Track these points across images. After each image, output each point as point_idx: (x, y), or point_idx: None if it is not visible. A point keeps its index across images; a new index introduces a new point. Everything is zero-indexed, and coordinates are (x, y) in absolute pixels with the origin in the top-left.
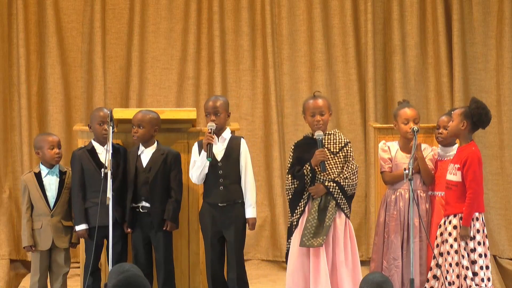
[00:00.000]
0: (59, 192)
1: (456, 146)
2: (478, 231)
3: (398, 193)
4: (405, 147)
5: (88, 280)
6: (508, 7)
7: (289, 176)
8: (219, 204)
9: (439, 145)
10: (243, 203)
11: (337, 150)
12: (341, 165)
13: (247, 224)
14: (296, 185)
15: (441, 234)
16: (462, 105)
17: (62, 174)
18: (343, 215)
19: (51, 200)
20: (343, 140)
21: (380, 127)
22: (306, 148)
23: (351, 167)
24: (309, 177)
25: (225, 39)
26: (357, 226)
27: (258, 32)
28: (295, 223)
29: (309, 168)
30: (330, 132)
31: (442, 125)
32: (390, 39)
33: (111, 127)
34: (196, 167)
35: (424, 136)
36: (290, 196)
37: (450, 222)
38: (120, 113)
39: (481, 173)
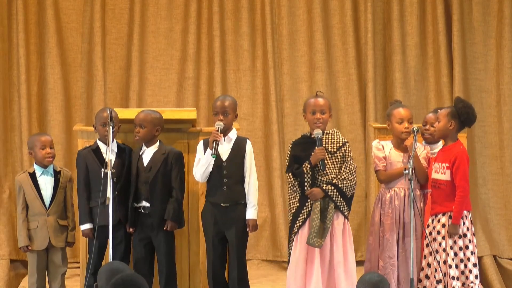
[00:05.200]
0: (54, 192)
1: (441, 143)
2: (468, 229)
3: (393, 192)
4: (399, 146)
5: (89, 280)
6: (508, 7)
7: (290, 174)
8: (222, 204)
9: (423, 142)
10: (245, 204)
11: (335, 150)
12: (338, 165)
13: (247, 225)
14: (298, 182)
15: (430, 233)
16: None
17: (56, 174)
18: (341, 217)
19: (47, 200)
20: (341, 140)
21: (380, 127)
22: (303, 147)
23: (349, 167)
24: (309, 175)
25: (225, 39)
26: (357, 226)
27: (258, 32)
28: (301, 223)
29: (308, 166)
30: (328, 132)
31: (430, 122)
32: (390, 39)
33: (111, 127)
34: (201, 165)
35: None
36: (300, 193)
37: (439, 221)
38: (120, 113)
39: (468, 172)
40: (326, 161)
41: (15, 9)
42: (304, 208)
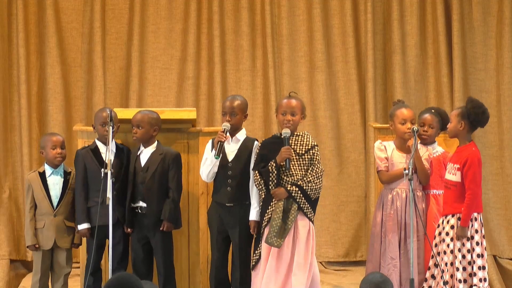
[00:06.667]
0: (63, 192)
1: (436, 144)
2: (476, 231)
3: (394, 193)
4: (402, 147)
5: (89, 280)
6: (508, 7)
7: (256, 172)
8: (226, 204)
9: (419, 143)
10: (250, 205)
11: (303, 152)
12: (305, 167)
13: (250, 226)
14: (263, 180)
15: (439, 233)
16: (461, 105)
17: (66, 175)
18: (306, 219)
19: (55, 200)
20: (310, 143)
21: (380, 127)
22: (272, 146)
23: (315, 170)
24: (274, 174)
25: (225, 39)
26: (357, 226)
27: (258, 32)
28: (266, 222)
29: (274, 165)
30: (298, 134)
31: (427, 123)
32: (390, 39)
33: (111, 127)
34: (206, 165)
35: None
36: (264, 193)
37: (448, 222)
38: (120, 113)
39: (480, 174)
40: (292, 163)
41: (15, 9)
42: (269, 207)
